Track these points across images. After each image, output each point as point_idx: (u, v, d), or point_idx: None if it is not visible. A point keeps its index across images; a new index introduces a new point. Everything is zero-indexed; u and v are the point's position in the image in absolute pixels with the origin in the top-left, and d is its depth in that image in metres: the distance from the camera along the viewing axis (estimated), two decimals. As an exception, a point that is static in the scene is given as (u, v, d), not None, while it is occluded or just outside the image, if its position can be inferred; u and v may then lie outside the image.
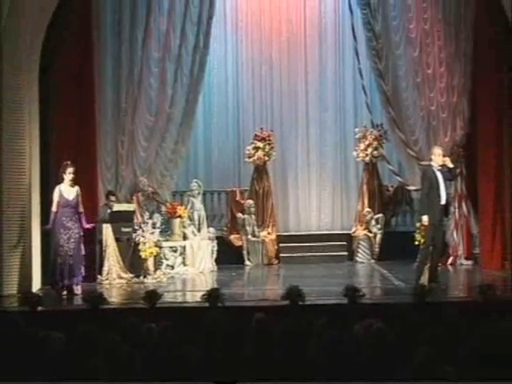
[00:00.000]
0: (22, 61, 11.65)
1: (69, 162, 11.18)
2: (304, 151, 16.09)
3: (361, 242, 15.00)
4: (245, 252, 15.00)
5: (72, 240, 10.99)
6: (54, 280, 11.00)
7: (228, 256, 14.74)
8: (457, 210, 13.63)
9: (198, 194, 14.62)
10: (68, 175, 11.03)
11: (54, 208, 11.03)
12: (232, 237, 15.22)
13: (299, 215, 16.08)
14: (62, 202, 10.97)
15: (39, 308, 9.19)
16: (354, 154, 15.31)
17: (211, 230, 14.46)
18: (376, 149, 15.00)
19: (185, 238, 14.15)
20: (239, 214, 15.14)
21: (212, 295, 9.14)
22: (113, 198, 13.18)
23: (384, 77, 14.13)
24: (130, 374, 5.07)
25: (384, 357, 5.17)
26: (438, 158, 10.83)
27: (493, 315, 6.40)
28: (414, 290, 9.08)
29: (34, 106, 12.09)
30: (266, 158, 15.20)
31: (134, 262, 12.71)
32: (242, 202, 15.29)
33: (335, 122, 16.11)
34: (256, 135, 15.26)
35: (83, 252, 11.26)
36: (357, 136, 15.26)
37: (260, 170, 15.32)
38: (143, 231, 12.78)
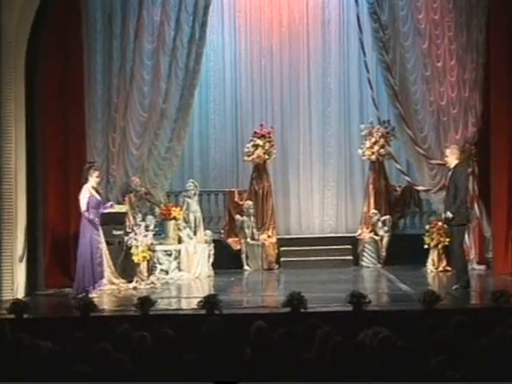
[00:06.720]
0: (7, 57, 11.68)
1: (93, 162, 12.09)
2: (306, 149, 16.08)
3: (367, 245, 15.02)
4: (243, 256, 15.02)
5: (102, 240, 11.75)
6: (83, 286, 11.32)
7: (226, 260, 14.76)
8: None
9: (194, 194, 14.63)
10: (95, 177, 11.64)
11: (84, 208, 11.47)
12: (230, 240, 15.24)
13: (301, 217, 16.08)
14: (92, 203, 11.48)
15: (25, 315, 9.25)
16: (360, 152, 15.31)
17: (208, 232, 14.48)
18: (383, 147, 15.01)
19: (180, 241, 14.17)
20: (237, 216, 15.15)
21: (209, 302, 9.17)
22: (103, 200, 13.25)
23: (391, 70, 14.15)
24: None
25: (391, 367, 5.20)
26: (450, 158, 11.42)
27: (506, 322, 6.42)
28: (423, 297, 9.14)
29: (20, 101, 12.12)
30: (266, 157, 15.20)
31: (125, 266, 12.74)
32: (241, 203, 15.30)
33: (339, 118, 16.11)
34: (255, 132, 15.26)
35: None
36: (362, 133, 15.26)
37: (260, 170, 15.33)
38: (136, 234, 12.82)
